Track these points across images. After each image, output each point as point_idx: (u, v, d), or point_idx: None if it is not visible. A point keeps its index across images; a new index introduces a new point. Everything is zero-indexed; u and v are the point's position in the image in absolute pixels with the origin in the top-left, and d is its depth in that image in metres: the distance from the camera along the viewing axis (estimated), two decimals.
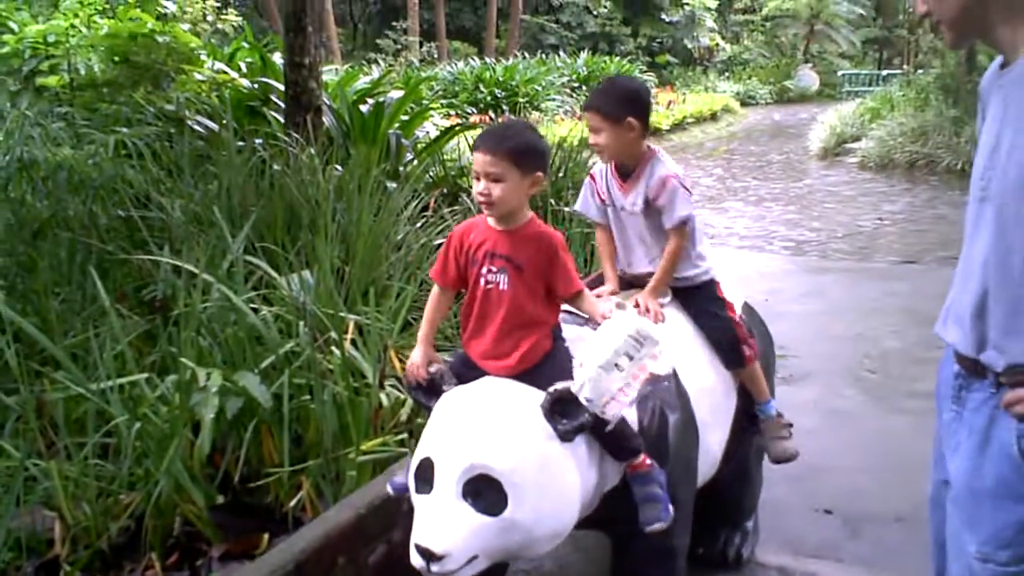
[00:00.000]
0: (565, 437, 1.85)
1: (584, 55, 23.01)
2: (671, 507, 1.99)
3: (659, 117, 19.79)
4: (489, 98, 17.72)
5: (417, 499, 1.85)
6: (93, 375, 2.89)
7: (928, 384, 1.87)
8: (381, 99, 5.62)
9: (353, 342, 3.05)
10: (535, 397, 1.89)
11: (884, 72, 30.05)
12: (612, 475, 2.02)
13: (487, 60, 21.36)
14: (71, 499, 2.55)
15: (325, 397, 2.64)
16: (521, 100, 17.77)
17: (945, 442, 1.65)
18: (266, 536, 2.47)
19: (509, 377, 2.00)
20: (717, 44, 31.81)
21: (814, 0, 27.55)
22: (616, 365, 1.89)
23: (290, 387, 2.72)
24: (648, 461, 2.01)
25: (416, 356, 2.09)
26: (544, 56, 23.70)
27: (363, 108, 5.20)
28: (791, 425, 2.64)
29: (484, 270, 2.08)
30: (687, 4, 30.74)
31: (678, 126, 20.18)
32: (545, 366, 2.01)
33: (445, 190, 5.14)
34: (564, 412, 1.85)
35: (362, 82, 6.95)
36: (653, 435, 2.06)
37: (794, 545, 2.94)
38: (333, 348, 2.91)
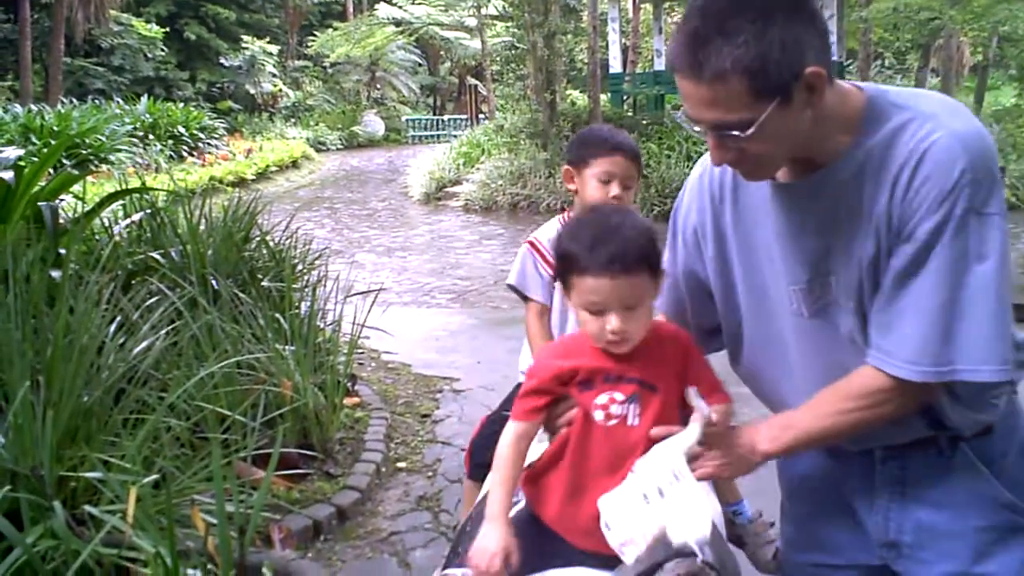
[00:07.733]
0: None
1: (144, 101, 21.03)
2: None
3: (241, 166, 18.65)
4: (44, 150, 15.31)
5: None
6: None
7: None
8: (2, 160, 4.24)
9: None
10: None
11: (446, 117, 31.73)
12: None
13: (31, 107, 18.63)
14: None
15: None
16: (85, 152, 15.62)
17: None
18: None
19: None
20: (281, 90, 31.17)
21: (372, 48, 28.12)
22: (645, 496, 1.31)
23: None
24: None
25: (491, 542, 1.31)
26: (96, 102, 21.28)
27: None
28: (774, 523, 2.25)
29: (603, 399, 1.38)
30: (246, 48, 29.72)
31: (262, 175, 19.20)
32: None
33: (119, 272, 4.02)
34: None
35: None
36: None
37: None
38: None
